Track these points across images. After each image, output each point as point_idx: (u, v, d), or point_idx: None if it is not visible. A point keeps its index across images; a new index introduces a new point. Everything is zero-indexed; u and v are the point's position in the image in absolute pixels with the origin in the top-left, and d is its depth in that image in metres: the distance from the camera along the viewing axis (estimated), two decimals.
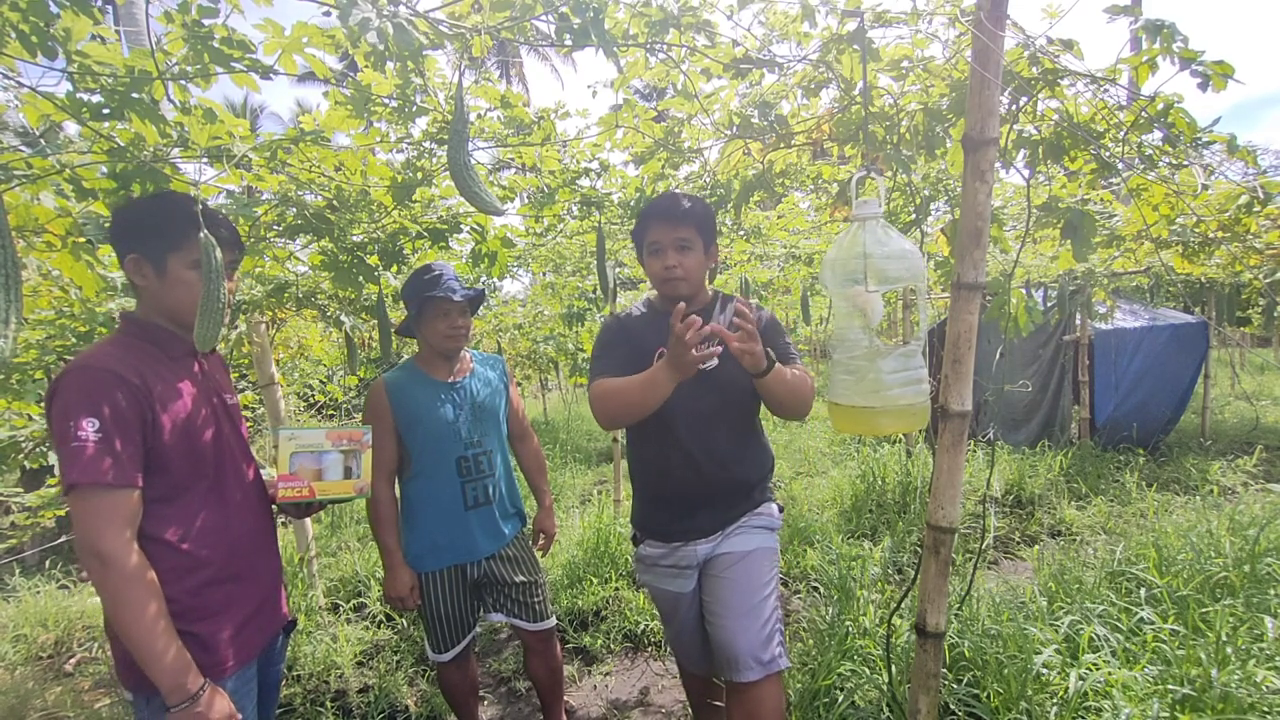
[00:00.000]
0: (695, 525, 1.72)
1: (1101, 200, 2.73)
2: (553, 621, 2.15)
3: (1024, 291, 2.22)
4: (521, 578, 2.07)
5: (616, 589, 3.38)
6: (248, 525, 1.39)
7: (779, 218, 3.87)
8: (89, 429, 1.12)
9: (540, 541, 2.29)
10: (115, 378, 1.17)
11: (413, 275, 2.02)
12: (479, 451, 2.01)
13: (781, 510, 1.86)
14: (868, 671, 2.23)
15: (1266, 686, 1.83)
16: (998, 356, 5.67)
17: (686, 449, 1.69)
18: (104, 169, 1.54)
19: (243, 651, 1.34)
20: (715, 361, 1.68)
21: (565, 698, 2.65)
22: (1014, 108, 1.78)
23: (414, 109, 1.79)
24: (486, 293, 2.13)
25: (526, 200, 2.70)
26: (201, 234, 1.17)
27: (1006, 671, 2.03)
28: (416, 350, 2.12)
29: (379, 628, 3.17)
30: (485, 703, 2.67)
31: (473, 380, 2.07)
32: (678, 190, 1.81)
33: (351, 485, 1.54)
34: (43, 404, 2.32)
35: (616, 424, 1.66)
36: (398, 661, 2.87)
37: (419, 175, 2.08)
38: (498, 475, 2.06)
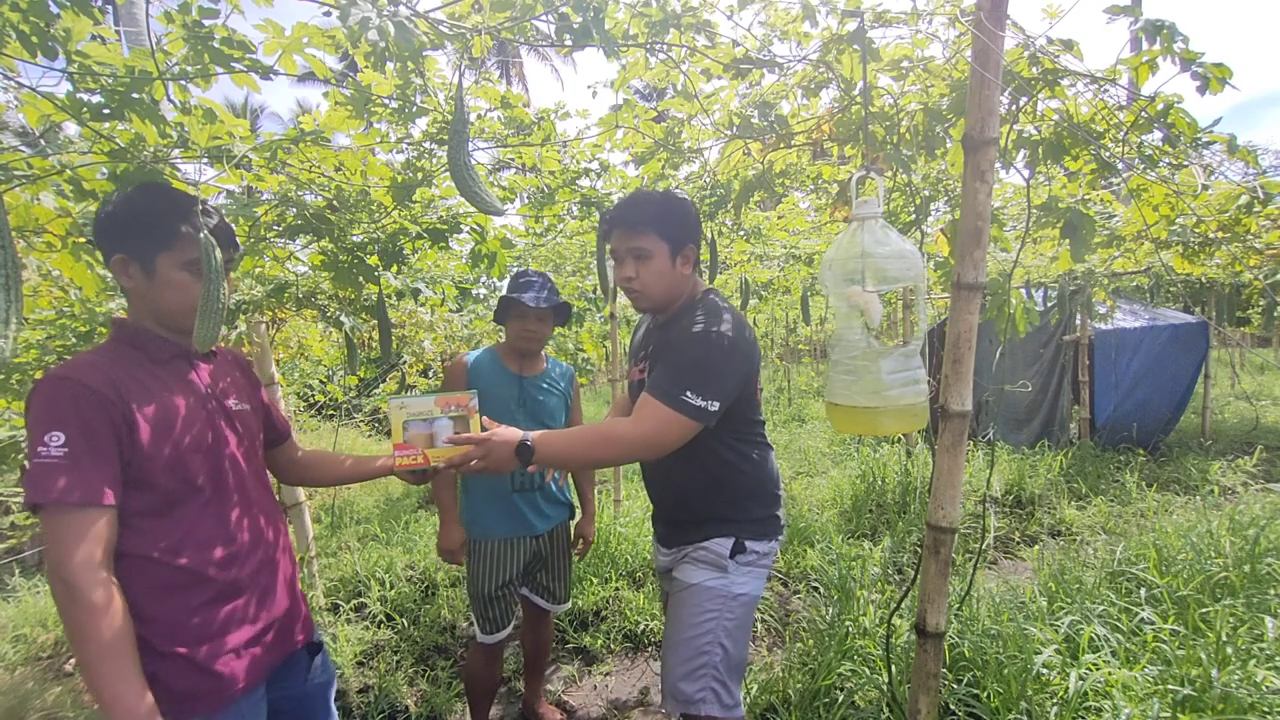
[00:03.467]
0: (659, 532, 1.80)
1: (1101, 200, 2.73)
2: (566, 604, 2.36)
3: (1023, 293, 2.21)
4: (558, 560, 2.28)
5: (616, 589, 3.38)
6: (253, 537, 1.30)
7: (779, 218, 3.87)
8: (52, 444, 1.04)
9: (579, 546, 2.41)
10: (84, 389, 1.09)
11: (513, 275, 2.22)
12: None
13: (744, 550, 1.59)
14: (868, 671, 2.23)
15: (1266, 686, 1.83)
16: (998, 356, 5.67)
17: (648, 465, 1.77)
18: (104, 170, 1.54)
19: (250, 674, 1.24)
20: (646, 378, 1.63)
21: (565, 697, 2.68)
22: (1014, 108, 1.78)
23: (414, 109, 1.79)
24: (571, 306, 2.23)
25: (526, 200, 2.70)
26: (202, 234, 1.15)
27: (1006, 671, 2.03)
28: (502, 339, 2.30)
29: (379, 628, 3.17)
30: None
31: (540, 380, 2.22)
32: (645, 190, 1.62)
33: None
34: None
35: None
36: (398, 661, 2.87)
37: (419, 175, 2.08)
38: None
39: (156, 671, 1.11)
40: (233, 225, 1.40)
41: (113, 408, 1.10)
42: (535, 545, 2.18)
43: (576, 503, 2.44)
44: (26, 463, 1.08)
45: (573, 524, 2.38)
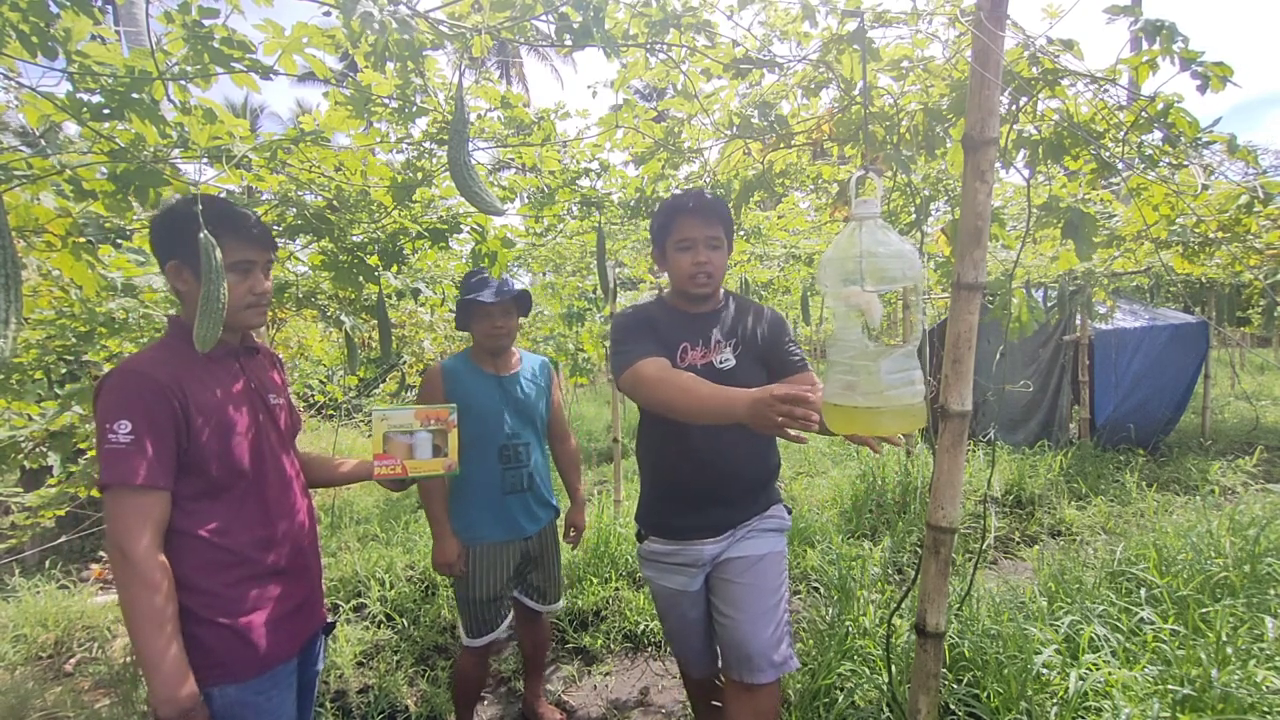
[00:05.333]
0: (704, 524, 1.72)
1: (1101, 200, 2.73)
2: (558, 605, 2.33)
3: (1024, 292, 2.22)
4: (548, 561, 2.27)
5: (616, 589, 3.38)
6: (289, 523, 1.41)
7: (779, 218, 3.87)
8: (120, 431, 1.16)
9: (570, 534, 2.43)
10: (150, 381, 1.20)
11: (465, 276, 2.19)
12: (519, 442, 2.16)
13: (790, 512, 1.85)
14: (868, 671, 2.23)
15: (1266, 686, 1.83)
16: (998, 356, 5.67)
17: (699, 447, 1.69)
18: (104, 169, 1.54)
19: (284, 647, 1.35)
20: (732, 361, 1.71)
21: (565, 697, 2.68)
22: (1014, 108, 1.78)
23: (414, 109, 1.79)
24: (530, 294, 2.22)
25: (526, 200, 2.70)
26: (201, 234, 1.17)
27: (1006, 671, 2.03)
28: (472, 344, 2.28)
29: (379, 628, 3.17)
30: (485, 703, 2.68)
31: (519, 377, 2.21)
32: (697, 189, 1.86)
33: (440, 464, 1.61)
34: (42, 404, 2.33)
35: (657, 409, 1.52)
36: (398, 661, 2.87)
37: (419, 175, 2.08)
38: (534, 466, 2.20)
39: (199, 635, 1.23)
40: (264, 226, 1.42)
41: (174, 399, 1.22)
42: (525, 547, 2.17)
43: (562, 503, 2.42)
44: (98, 448, 1.20)
45: (559, 521, 2.37)
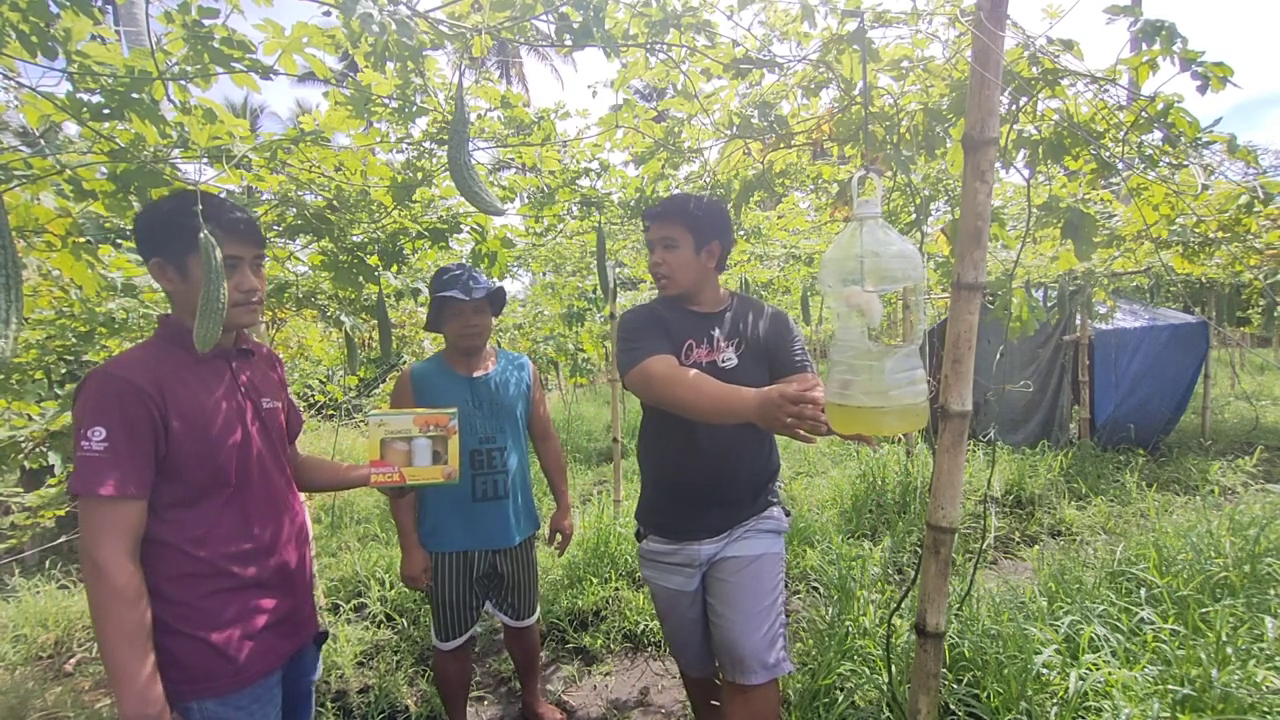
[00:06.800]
0: (703, 524, 1.73)
1: (1101, 200, 2.73)
2: (533, 619, 2.28)
3: (1024, 291, 2.22)
4: (520, 580, 2.18)
5: (616, 589, 3.38)
6: (275, 533, 1.35)
7: (779, 218, 3.87)
8: (94, 438, 1.12)
9: (556, 541, 2.36)
10: (128, 385, 1.16)
11: (435, 274, 2.10)
12: (492, 446, 2.08)
13: (789, 514, 1.84)
14: (868, 671, 2.23)
15: (1266, 686, 1.83)
16: (998, 356, 5.67)
17: (703, 446, 1.70)
18: (104, 169, 1.54)
19: (265, 660, 1.30)
20: (734, 361, 1.71)
21: (565, 697, 2.68)
22: (1014, 108, 1.78)
23: (414, 109, 1.79)
24: (504, 290, 2.18)
25: (526, 200, 2.70)
26: (201, 234, 1.15)
27: (1006, 671, 2.03)
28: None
29: (379, 628, 3.17)
30: (485, 703, 2.68)
31: (494, 377, 2.14)
32: (683, 193, 1.84)
33: (440, 471, 1.54)
34: (42, 404, 2.33)
35: (666, 405, 1.52)
36: (398, 661, 2.87)
37: (419, 175, 2.08)
38: (510, 472, 2.11)
39: (173, 647, 1.18)
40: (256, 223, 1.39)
41: (154, 403, 1.17)
42: (493, 559, 2.10)
43: (544, 511, 2.39)
44: (74, 454, 1.16)
45: (539, 534, 2.32)
